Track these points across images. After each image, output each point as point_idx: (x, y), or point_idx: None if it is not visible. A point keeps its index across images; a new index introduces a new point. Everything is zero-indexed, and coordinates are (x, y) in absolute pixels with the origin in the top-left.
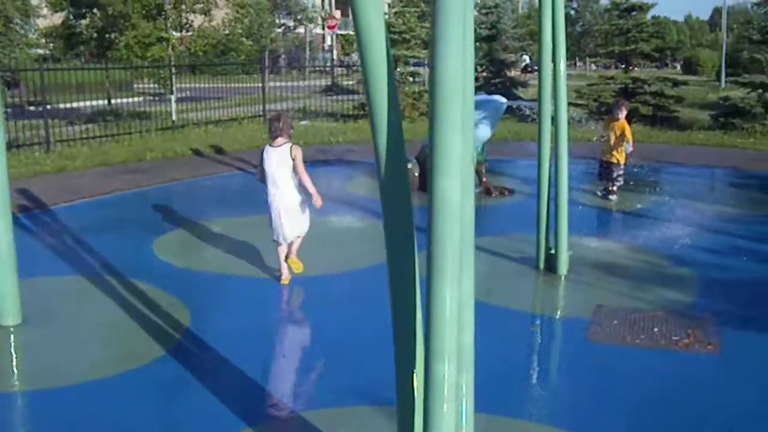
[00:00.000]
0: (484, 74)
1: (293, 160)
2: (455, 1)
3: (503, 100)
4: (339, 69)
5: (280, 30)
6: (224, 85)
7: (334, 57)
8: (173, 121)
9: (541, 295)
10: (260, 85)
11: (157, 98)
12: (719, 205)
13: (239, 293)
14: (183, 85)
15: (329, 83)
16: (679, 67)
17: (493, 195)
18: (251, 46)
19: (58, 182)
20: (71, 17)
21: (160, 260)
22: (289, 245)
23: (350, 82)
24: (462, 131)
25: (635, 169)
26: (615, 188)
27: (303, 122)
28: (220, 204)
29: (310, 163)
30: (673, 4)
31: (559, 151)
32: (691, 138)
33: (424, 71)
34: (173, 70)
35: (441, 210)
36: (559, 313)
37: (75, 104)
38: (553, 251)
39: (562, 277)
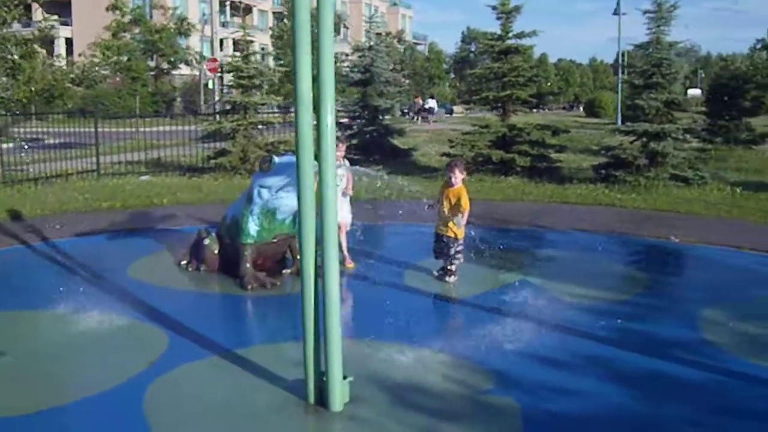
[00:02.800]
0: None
1: None
2: None
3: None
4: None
5: (152, 73)
6: (60, 129)
7: (216, 99)
8: None
9: None
10: (131, 130)
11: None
12: (581, 288)
13: None
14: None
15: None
16: (581, 110)
17: None
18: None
19: None
20: None
21: None
22: None
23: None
24: None
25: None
26: (453, 268)
27: (143, 177)
28: None
29: (111, 233)
30: (578, 47)
31: (326, 227)
32: (566, 194)
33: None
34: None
35: None
36: None
37: None
38: (325, 378)
39: (335, 417)
